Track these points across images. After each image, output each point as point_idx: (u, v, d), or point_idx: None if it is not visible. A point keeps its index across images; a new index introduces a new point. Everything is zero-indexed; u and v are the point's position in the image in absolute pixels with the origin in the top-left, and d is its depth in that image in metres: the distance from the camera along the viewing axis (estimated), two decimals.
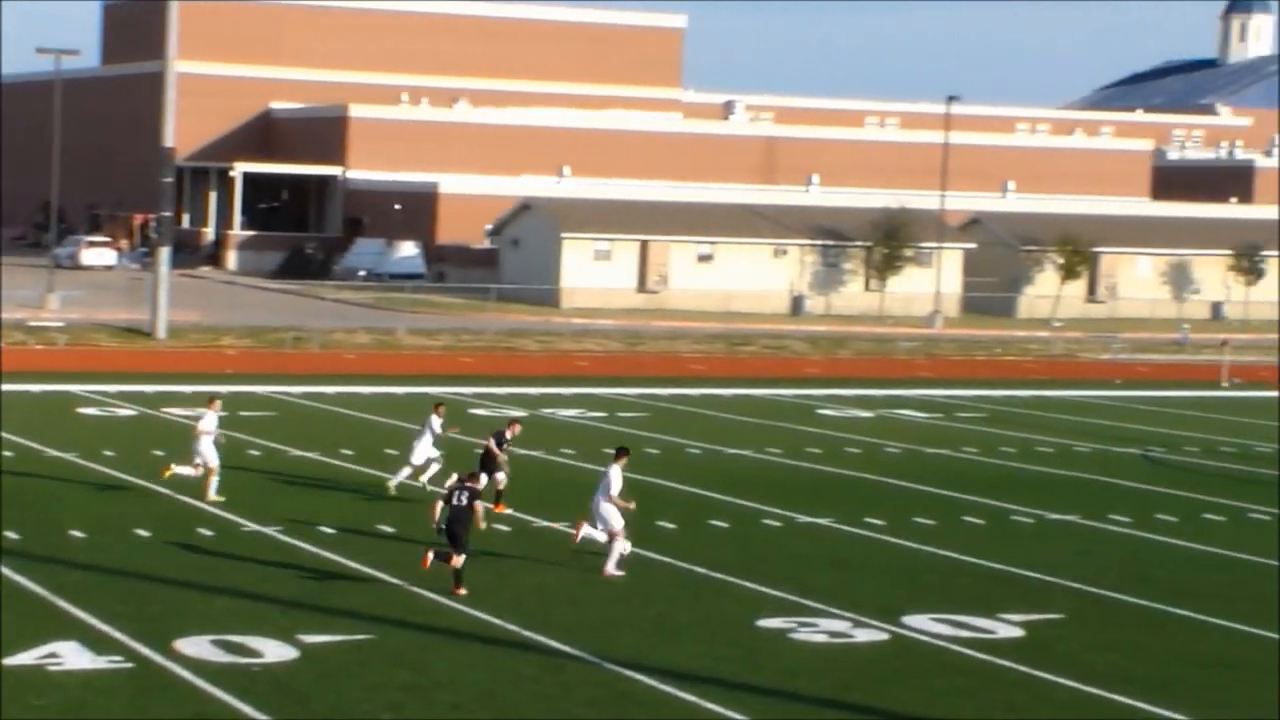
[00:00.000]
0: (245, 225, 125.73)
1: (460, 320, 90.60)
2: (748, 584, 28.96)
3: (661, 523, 34.42)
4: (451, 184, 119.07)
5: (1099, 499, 39.25)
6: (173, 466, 35.57)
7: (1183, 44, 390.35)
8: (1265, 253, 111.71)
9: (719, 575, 29.60)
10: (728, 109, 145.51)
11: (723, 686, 22.80)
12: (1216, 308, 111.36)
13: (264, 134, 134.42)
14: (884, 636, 25.68)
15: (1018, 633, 26.18)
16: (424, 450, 36.01)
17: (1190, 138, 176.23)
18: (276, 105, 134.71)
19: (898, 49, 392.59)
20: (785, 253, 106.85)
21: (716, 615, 26.80)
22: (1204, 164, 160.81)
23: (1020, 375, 72.92)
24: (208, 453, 35.30)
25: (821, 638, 25.54)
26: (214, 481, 35.23)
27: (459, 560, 27.21)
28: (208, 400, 36.48)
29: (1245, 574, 31.54)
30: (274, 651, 23.64)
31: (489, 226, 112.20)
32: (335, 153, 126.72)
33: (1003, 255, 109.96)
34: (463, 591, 27.25)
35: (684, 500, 37.43)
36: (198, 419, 35.76)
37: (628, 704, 21.98)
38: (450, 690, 22.24)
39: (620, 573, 29.24)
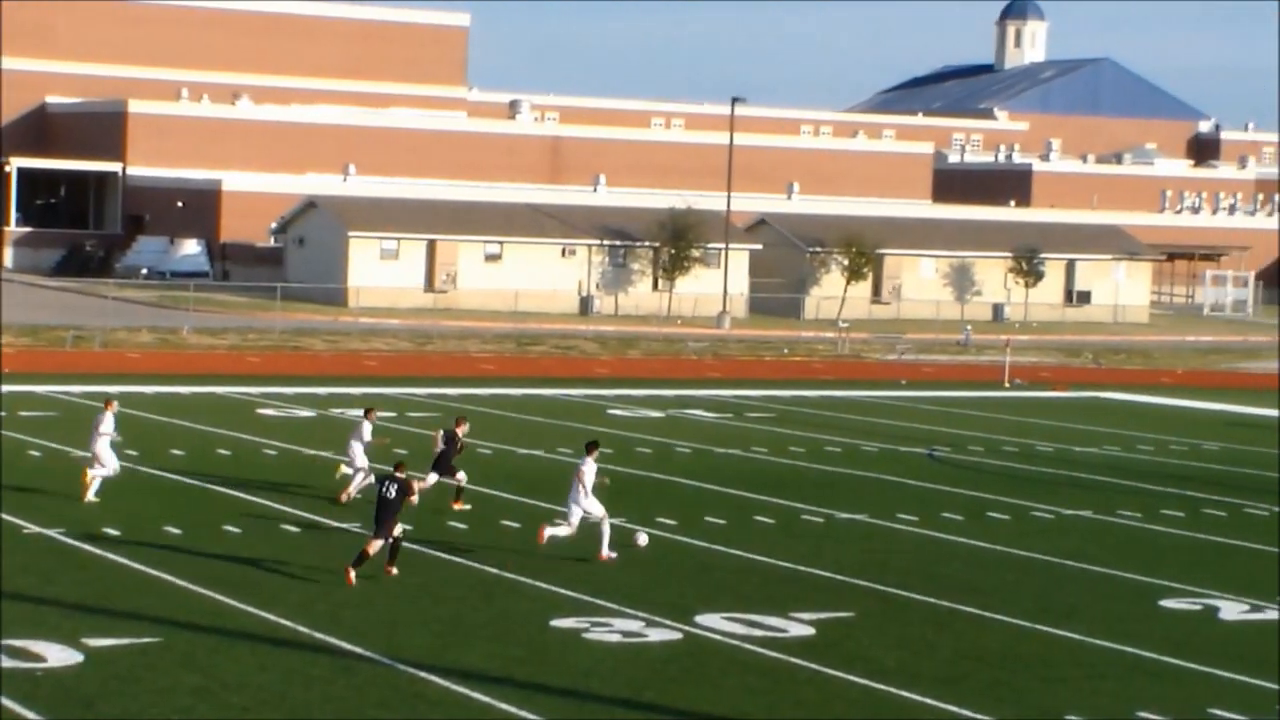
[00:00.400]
0: (21, 222, 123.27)
1: (246, 319, 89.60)
2: (540, 584, 28.89)
3: (453, 523, 34.25)
4: (235, 181, 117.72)
5: (886, 498, 39.67)
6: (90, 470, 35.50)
7: (960, 49, 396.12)
8: (1044, 255, 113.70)
9: (511, 575, 29.51)
10: (513, 108, 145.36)
11: (515, 686, 22.71)
12: (998, 309, 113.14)
13: (39, 129, 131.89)
14: (677, 636, 25.73)
15: (808, 631, 26.36)
16: (360, 456, 35.79)
17: (969, 141, 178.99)
18: (52, 99, 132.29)
19: (683, 50, 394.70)
20: (573, 252, 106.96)
21: (509, 615, 26.70)
22: (983, 167, 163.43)
23: (808, 375, 73.58)
24: (105, 454, 35.16)
25: (615, 637, 25.54)
26: (96, 483, 35.06)
27: (375, 546, 28.38)
28: (104, 401, 36.49)
29: (1029, 571, 32.04)
30: (57, 656, 23.17)
31: (273, 225, 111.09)
32: (114, 148, 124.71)
33: (789, 256, 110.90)
34: (393, 570, 28.67)
35: (476, 500, 37.26)
36: (98, 421, 35.54)
37: (420, 705, 21.83)
38: (240, 693, 21.94)
39: (614, 554, 30.77)
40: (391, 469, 29.74)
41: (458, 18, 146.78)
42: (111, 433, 35.29)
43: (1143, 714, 22.55)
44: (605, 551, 30.88)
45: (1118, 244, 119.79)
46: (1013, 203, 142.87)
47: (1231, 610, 28.91)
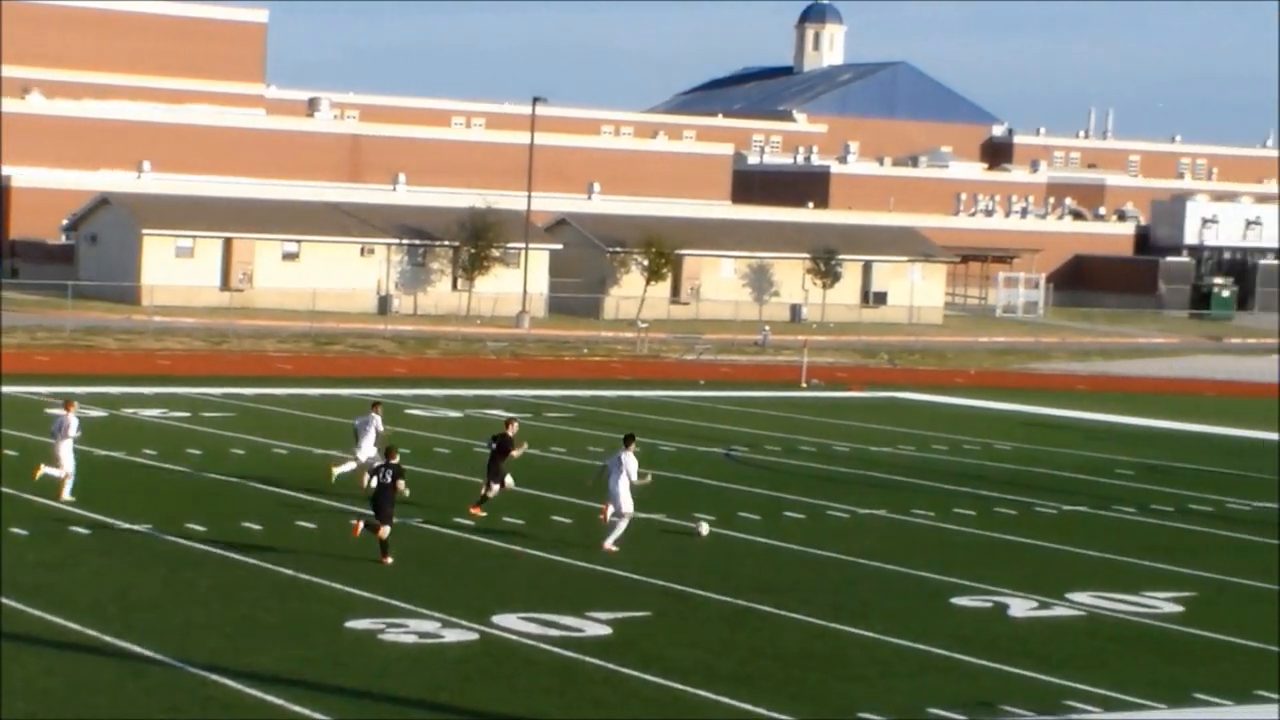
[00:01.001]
0: None
1: (36, 318, 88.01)
2: (335, 585, 28.64)
3: (247, 524, 33.88)
4: (25, 177, 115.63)
5: (684, 498, 39.80)
6: (42, 467, 35.68)
7: (760, 51, 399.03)
8: (841, 256, 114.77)
9: (305, 576, 29.23)
10: (312, 106, 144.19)
11: (309, 688, 22.50)
12: (795, 310, 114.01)
13: None
14: (473, 636, 25.64)
15: (605, 631, 26.38)
16: (368, 448, 37.97)
17: (769, 143, 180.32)
18: None
19: (484, 50, 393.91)
20: (372, 251, 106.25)
21: (303, 616, 26.45)
22: (782, 169, 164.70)
23: (607, 375, 73.68)
24: (66, 457, 35.15)
25: (411, 638, 25.39)
26: (69, 483, 35.28)
27: (385, 531, 30.15)
28: (64, 403, 36.63)
29: (825, 570, 32.30)
30: None
31: (64, 222, 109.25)
32: None
33: (589, 256, 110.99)
34: (389, 561, 30.00)
35: (271, 500, 36.91)
36: (64, 425, 35.51)
37: (212, 708, 21.55)
38: (27, 699, 21.52)
39: (617, 548, 32.27)
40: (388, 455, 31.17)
41: (256, 14, 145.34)
42: (76, 433, 35.83)
43: (934, 710, 22.80)
44: (609, 544, 32.57)
45: (913, 246, 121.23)
46: (811, 204, 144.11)
47: (1020, 607, 29.34)
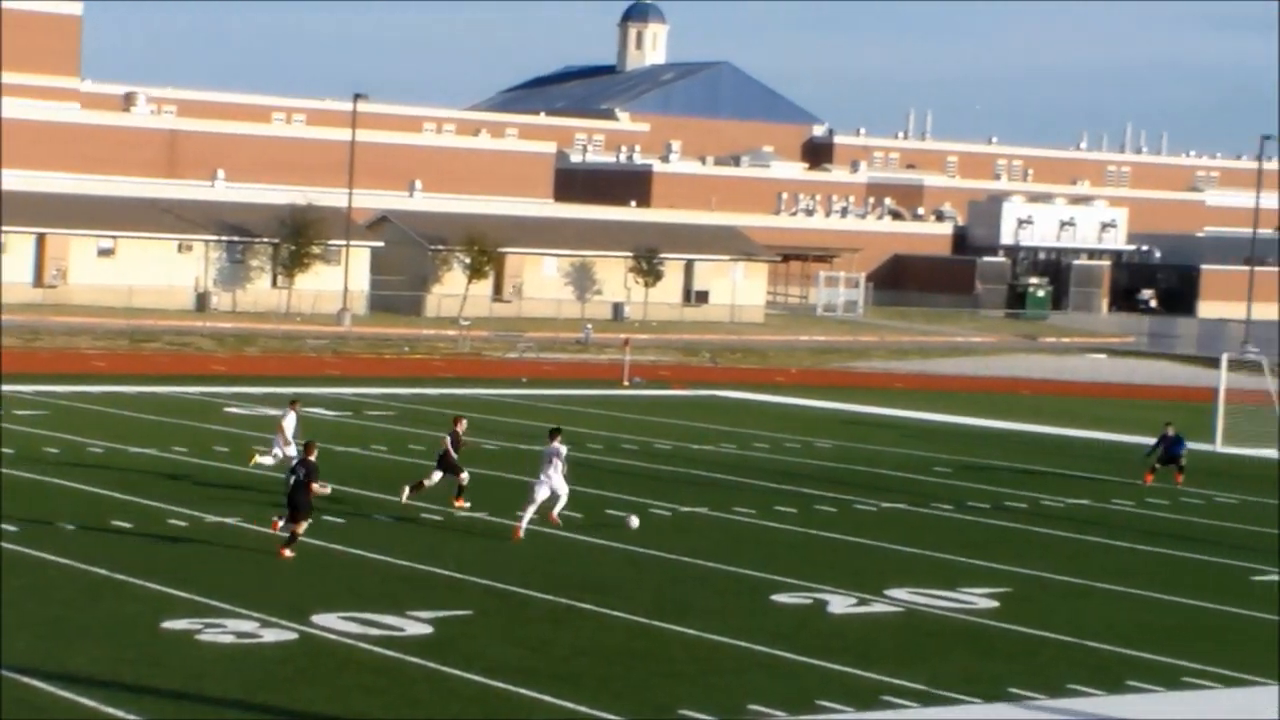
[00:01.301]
0: None
1: None
2: (152, 585, 28.27)
3: (60, 524, 33.36)
4: None
5: (507, 496, 39.66)
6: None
7: (583, 50, 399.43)
8: (663, 255, 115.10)
9: (120, 576, 28.83)
10: (129, 100, 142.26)
11: (125, 689, 22.20)
12: (618, 308, 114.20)
13: None
14: (292, 636, 25.41)
15: (426, 629, 26.25)
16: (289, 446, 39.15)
17: (591, 141, 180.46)
18: None
19: (306, 45, 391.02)
20: (190, 248, 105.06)
21: (118, 617, 26.08)
22: (604, 167, 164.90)
23: (429, 373, 73.38)
24: None
25: (229, 638, 25.11)
26: None
27: (303, 526, 31.17)
28: None
29: (647, 567, 32.35)
30: None
31: None
32: None
33: (411, 254, 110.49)
34: (288, 554, 30.79)
35: (85, 500, 36.39)
36: None
37: (24, 710, 21.19)
38: None
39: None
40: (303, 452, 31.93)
41: (70, 6, 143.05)
42: None
43: (754, 706, 22.90)
44: (555, 514, 35.31)
45: (735, 245, 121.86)
46: (633, 203, 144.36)
47: (840, 604, 29.56)
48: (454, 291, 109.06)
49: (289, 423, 39.82)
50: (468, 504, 37.34)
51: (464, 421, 38.64)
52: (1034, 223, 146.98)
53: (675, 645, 26.17)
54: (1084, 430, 60.36)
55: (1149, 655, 26.73)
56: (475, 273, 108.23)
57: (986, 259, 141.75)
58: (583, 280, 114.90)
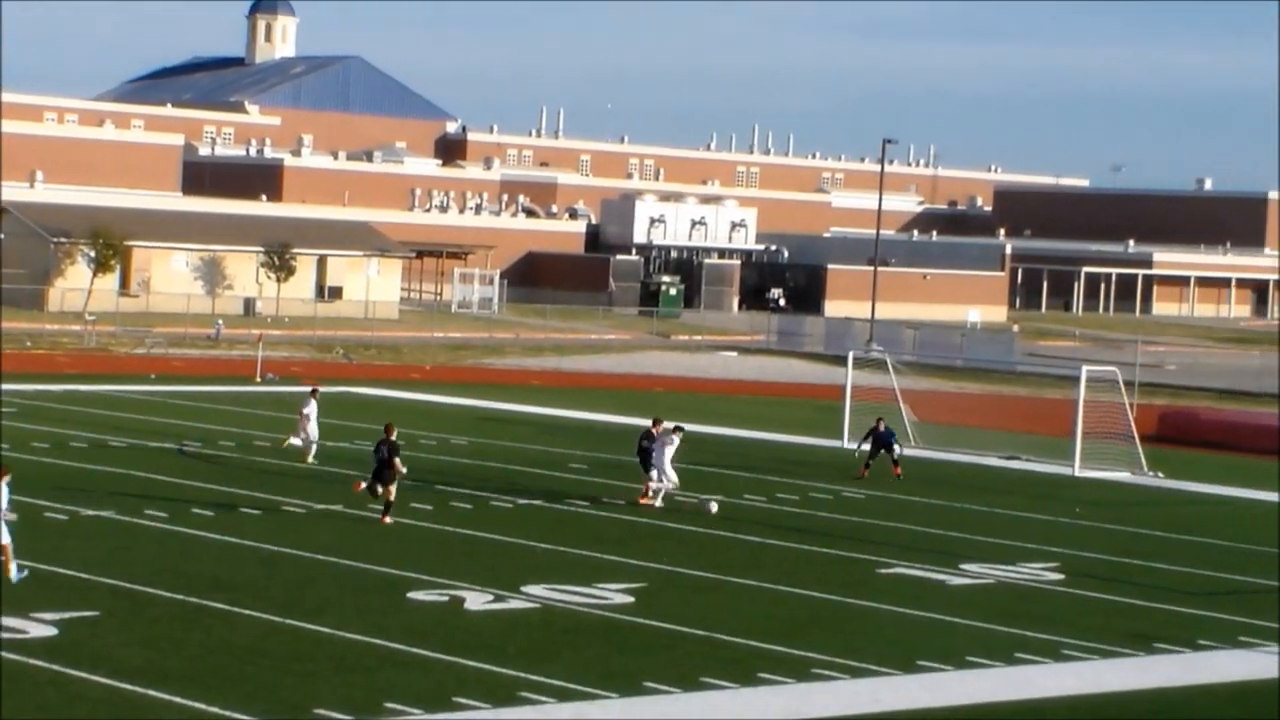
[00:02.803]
0: None
1: None
2: None
3: None
4: None
5: (135, 494, 38.87)
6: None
7: (211, 41, 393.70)
8: (295, 250, 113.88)
9: None
10: None
11: None
12: (249, 304, 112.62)
13: None
14: None
15: (50, 631, 25.57)
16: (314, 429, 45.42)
17: (220, 134, 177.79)
18: None
19: None
20: None
21: None
22: (234, 161, 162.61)
23: (52, 369, 71.52)
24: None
25: None
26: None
27: (391, 492, 36.64)
28: None
29: (279, 565, 31.95)
30: None
31: None
32: None
33: (32, 246, 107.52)
34: (389, 521, 35.69)
35: None
36: None
37: None
38: None
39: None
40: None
41: None
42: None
43: (391, 704, 22.73)
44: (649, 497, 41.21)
45: (369, 241, 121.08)
46: (264, 197, 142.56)
47: (477, 600, 29.52)
48: (78, 285, 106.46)
49: (310, 409, 45.51)
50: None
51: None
52: (666, 222, 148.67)
53: (309, 643, 25.87)
54: (714, 427, 61.16)
55: (779, 648, 27.17)
56: (101, 266, 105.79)
57: (620, 257, 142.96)
58: (213, 275, 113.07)
